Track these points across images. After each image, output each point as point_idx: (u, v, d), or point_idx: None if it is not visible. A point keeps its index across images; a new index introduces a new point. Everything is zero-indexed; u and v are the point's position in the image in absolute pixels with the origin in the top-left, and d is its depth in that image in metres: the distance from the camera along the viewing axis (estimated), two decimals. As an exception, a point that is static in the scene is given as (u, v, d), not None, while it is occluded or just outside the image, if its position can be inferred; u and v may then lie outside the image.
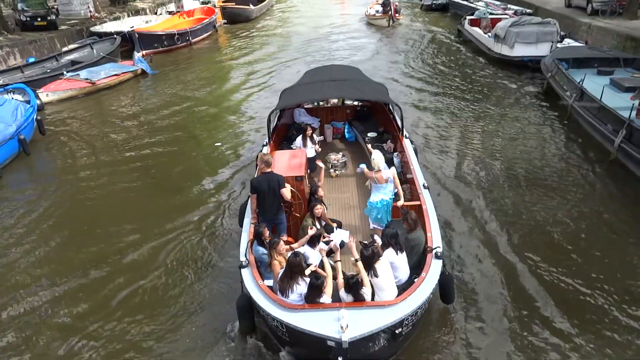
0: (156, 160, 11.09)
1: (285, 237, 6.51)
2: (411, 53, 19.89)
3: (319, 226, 6.69)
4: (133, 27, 20.85)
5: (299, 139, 8.90)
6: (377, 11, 25.94)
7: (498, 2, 25.61)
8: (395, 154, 8.95)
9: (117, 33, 20.01)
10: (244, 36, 24.94)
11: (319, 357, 4.91)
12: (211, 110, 14.20)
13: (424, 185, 7.19)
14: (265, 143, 9.04)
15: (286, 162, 7.33)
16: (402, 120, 9.26)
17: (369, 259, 5.34)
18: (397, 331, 5.06)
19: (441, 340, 5.89)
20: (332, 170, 9.00)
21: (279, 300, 5.30)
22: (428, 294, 5.32)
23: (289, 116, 10.71)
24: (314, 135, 9.23)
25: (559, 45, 16.36)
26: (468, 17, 21.43)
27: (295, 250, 5.85)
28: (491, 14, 21.60)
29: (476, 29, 20.10)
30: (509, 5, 24.34)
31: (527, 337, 5.94)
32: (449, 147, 11.11)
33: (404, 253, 5.76)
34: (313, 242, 6.01)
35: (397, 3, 26.58)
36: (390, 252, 5.63)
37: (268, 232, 6.25)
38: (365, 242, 5.74)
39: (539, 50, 16.20)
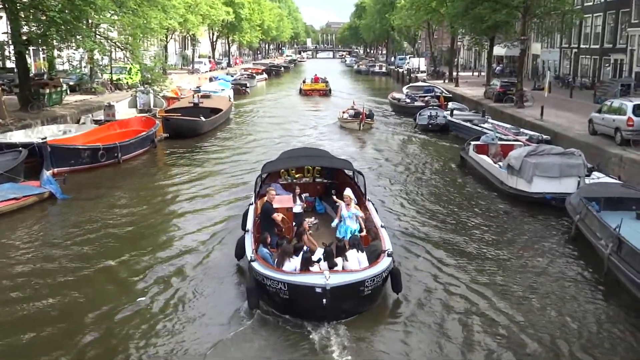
0: (51, 310, 10.75)
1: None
2: (408, 183, 20.84)
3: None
4: (46, 137, 21.30)
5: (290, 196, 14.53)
6: (350, 115, 34.22)
7: (508, 126, 27.54)
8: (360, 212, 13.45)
9: (24, 145, 20.35)
10: (189, 154, 25.80)
11: (310, 304, 9.84)
12: (134, 250, 14.02)
13: (381, 225, 12.90)
14: (251, 203, 14.35)
15: (280, 200, 13.68)
16: (365, 187, 14.68)
17: (342, 248, 11.02)
18: (360, 288, 10.06)
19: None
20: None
21: (281, 270, 10.41)
22: (380, 270, 10.45)
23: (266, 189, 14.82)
24: (302, 195, 14.97)
25: (586, 180, 17.31)
26: (473, 142, 22.77)
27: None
28: (500, 139, 23.05)
29: (483, 156, 21.27)
30: (521, 130, 26.15)
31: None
32: (451, 303, 11.17)
33: (364, 253, 11.08)
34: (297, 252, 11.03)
35: (369, 109, 34.93)
36: (353, 250, 10.96)
37: (270, 238, 11.78)
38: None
39: (563, 186, 17.07)
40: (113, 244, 14.39)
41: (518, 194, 17.88)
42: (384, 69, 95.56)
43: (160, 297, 11.48)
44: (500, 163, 19.80)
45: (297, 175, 16.61)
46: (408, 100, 41.67)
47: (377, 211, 14.20)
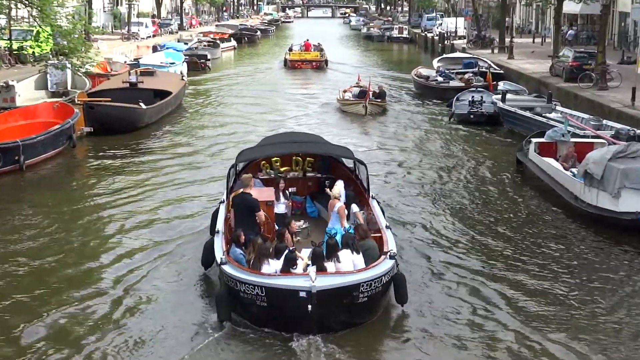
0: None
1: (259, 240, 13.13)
2: (439, 196, 21.14)
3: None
4: None
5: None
6: (353, 95, 36.35)
7: (585, 116, 27.45)
8: (362, 211, 15.19)
9: None
10: (124, 156, 25.92)
11: (293, 313, 10.99)
12: (43, 293, 14.02)
13: (386, 226, 14.27)
14: (222, 200, 15.82)
15: (259, 192, 14.88)
16: (367, 180, 16.35)
17: (333, 247, 12.33)
18: (354, 293, 11.23)
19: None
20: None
21: (258, 272, 11.73)
22: (379, 272, 11.70)
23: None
24: (287, 191, 16.31)
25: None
26: (535, 140, 22.78)
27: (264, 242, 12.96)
28: (574, 135, 23.04)
29: (549, 160, 21.26)
30: (604, 122, 26.09)
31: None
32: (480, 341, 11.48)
33: (360, 254, 12.50)
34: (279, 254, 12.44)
35: (381, 87, 37.49)
36: (347, 250, 12.34)
37: (244, 237, 13.11)
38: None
39: (665, 203, 17.11)
40: (24, 271, 14.74)
41: (599, 213, 17.86)
42: (405, 34, 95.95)
43: (106, 316, 12.57)
44: (573, 169, 19.82)
45: (282, 169, 18.00)
46: (440, 79, 41.94)
47: (383, 211, 15.79)
